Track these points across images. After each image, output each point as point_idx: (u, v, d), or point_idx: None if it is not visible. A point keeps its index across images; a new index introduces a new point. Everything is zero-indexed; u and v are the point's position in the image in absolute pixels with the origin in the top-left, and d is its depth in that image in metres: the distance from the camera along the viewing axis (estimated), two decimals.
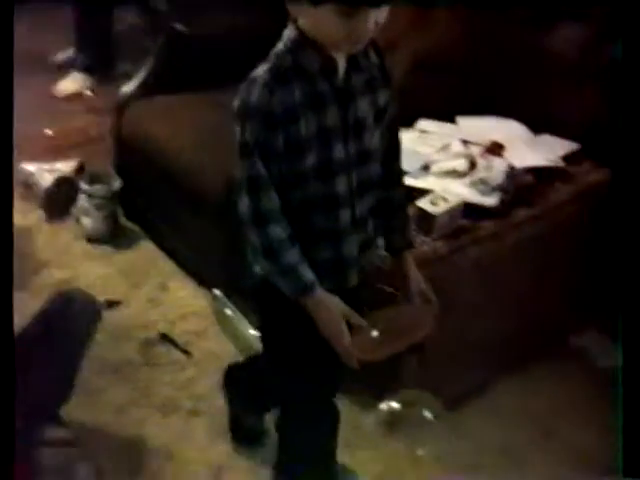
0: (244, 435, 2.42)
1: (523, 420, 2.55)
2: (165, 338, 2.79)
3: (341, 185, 1.79)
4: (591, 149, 2.73)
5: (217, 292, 2.85)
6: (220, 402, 2.41)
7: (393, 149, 1.93)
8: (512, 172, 2.51)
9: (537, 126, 2.80)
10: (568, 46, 2.97)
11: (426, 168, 2.53)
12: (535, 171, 2.57)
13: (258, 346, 2.69)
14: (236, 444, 2.42)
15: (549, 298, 2.67)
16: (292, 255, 1.74)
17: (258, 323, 1.99)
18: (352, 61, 1.75)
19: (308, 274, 1.75)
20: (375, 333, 1.82)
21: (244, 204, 1.73)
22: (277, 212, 1.73)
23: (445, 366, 2.39)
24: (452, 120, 2.83)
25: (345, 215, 1.82)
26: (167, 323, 2.86)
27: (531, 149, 2.68)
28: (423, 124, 2.75)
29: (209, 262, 2.89)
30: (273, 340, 2.00)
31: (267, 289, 1.82)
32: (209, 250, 2.86)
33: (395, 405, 2.35)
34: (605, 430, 2.48)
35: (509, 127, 2.81)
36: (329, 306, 1.77)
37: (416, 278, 1.94)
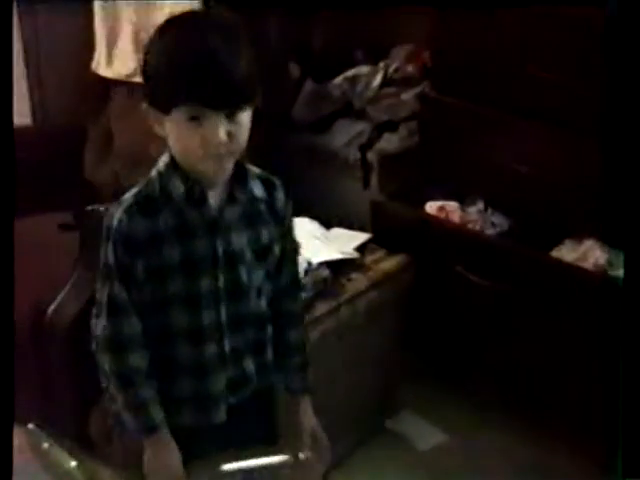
0: None
1: None
2: None
3: (207, 318, 1.70)
4: (382, 237, 2.87)
5: (32, 426, 2.76)
6: None
7: (288, 288, 1.82)
8: (309, 268, 2.58)
9: (328, 221, 2.92)
10: (346, 145, 3.15)
11: None
12: (331, 264, 2.65)
13: (80, 478, 2.62)
14: None
15: (361, 387, 2.74)
16: (147, 390, 1.68)
17: None
18: (230, 193, 1.68)
19: (158, 414, 1.69)
20: None
21: (100, 328, 1.68)
22: (137, 339, 1.67)
23: None
24: None
25: (210, 350, 1.72)
26: None
27: (325, 244, 2.78)
28: None
29: (20, 395, 2.80)
30: None
31: None
32: (20, 382, 2.77)
33: None
34: None
35: (302, 225, 2.89)
36: (169, 451, 1.70)
37: (309, 425, 1.86)
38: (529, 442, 2.78)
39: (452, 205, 2.93)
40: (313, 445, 1.85)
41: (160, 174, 1.67)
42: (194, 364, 1.72)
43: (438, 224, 2.90)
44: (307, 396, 1.89)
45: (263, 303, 1.78)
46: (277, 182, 1.77)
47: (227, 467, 1.73)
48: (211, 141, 1.57)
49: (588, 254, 2.68)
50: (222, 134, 1.57)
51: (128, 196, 1.67)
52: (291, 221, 1.81)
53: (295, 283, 1.86)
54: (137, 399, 1.68)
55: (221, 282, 1.70)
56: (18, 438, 2.78)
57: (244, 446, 1.78)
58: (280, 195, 1.75)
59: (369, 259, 2.78)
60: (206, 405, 1.75)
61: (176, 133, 1.60)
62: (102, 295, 1.69)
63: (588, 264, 2.65)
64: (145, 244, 1.64)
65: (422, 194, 2.99)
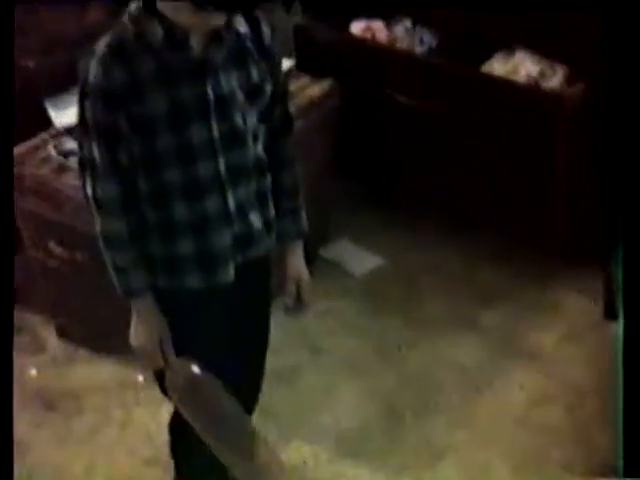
0: None
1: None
2: None
3: (204, 170, 1.61)
4: (306, 63, 2.75)
5: None
6: None
7: (280, 129, 1.74)
8: None
9: None
10: None
11: None
12: None
13: None
14: None
15: None
16: (126, 255, 1.65)
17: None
18: (214, 33, 1.57)
19: (136, 281, 1.66)
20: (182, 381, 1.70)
21: (87, 186, 1.62)
22: (117, 203, 1.61)
23: None
24: None
25: (213, 204, 1.63)
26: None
27: None
28: None
29: None
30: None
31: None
32: None
33: None
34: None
35: None
36: (148, 320, 1.69)
37: (297, 272, 1.80)
38: (461, 258, 2.79)
39: (378, 24, 2.79)
40: (297, 292, 1.81)
41: (133, 18, 1.56)
42: (195, 221, 1.64)
43: (364, 45, 2.77)
44: (298, 242, 1.82)
45: (260, 149, 1.70)
46: (260, 17, 1.67)
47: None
48: (211, 26, 1.54)
49: (519, 66, 2.59)
50: (223, 21, 1.54)
51: (100, 46, 1.55)
52: (279, 58, 1.73)
53: (287, 124, 1.77)
54: (117, 263, 1.66)
55: (215, 130, 1.61)
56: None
57: (245, 309, 1.76)
58: (265, 30, 1.67)
59: (293, 86, 2.64)
60: (211, 265, 1.68)
61: (173, 8, 1.52)
62: (84, 153, 1.62)
63: (520, 77, 2.56)
64: (126, 95, 1.54)
65: (346, 15, 2.84)
